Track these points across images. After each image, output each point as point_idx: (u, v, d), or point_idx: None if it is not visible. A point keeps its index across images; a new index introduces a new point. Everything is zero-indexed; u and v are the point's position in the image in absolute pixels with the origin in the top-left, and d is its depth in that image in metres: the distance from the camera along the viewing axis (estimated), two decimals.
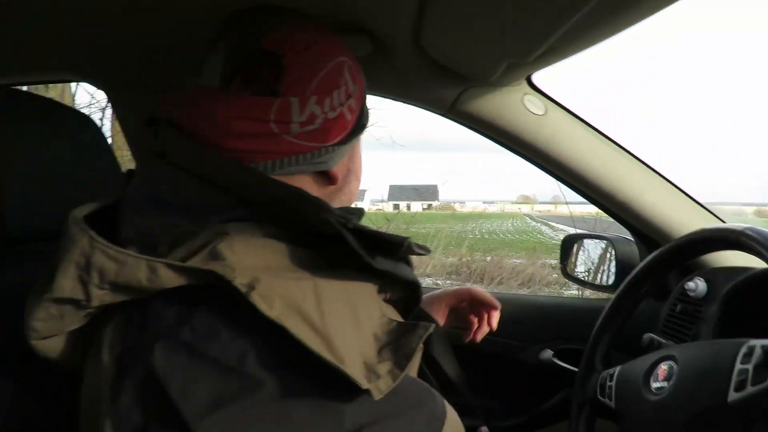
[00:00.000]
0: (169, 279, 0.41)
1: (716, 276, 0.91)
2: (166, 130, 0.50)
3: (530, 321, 1.24)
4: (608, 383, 0.77)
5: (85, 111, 0.86)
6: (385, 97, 1.04)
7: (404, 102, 1.04)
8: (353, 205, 0.62)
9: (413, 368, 0.57)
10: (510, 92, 0.94)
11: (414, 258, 0.59)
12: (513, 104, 0.95)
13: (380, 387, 0.40)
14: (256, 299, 0.39)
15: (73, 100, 4.52)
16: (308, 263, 0.46)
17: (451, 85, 0.93)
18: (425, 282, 6.68)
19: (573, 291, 5.17)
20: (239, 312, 0.40)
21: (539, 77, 0.92)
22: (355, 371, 0.40)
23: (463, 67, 0.86)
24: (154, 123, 0.53)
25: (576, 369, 0.88)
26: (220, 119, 0.49)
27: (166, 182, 0.48)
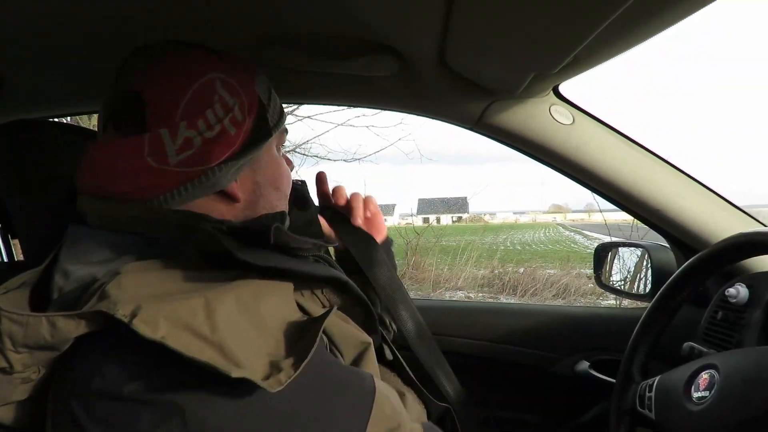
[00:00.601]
0: (70, 329, 0.42)
1: (758, 281, 0.88)
2: (79, 197, 0.55)
3: (565, 332, 1.23)
4: (647, 394, 0.76)
5: None
6: (411, 113, 1.06)
7: (431, 118, 1.05)
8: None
9: (370, 365, 0.56)
10: (537, 103, 0.94)
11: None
12: (540, 115, 0.95)
13: (281, 379, 0.41)
14: (138, 325, 0.40)
15: None
16: (204, 282, 0.47)
17: (478, 100, 0.94)
18: (457, 295, 6.62)
19: (611, 301, 5.03)
20: (135, 344, 0.40)
21: (566, 87, 0.92)
22: (254, 370, 0.41)
23: (488, 81, 0.87)
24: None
25: (613, 380, 0.86)
26: (103, 166, 0.52)
27: (85, 242, 0.51)
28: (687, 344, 0.85)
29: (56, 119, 1.19)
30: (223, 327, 0.42)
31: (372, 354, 0.55)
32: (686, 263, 0.80)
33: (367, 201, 0.82)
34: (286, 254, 0.52)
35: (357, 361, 0.54)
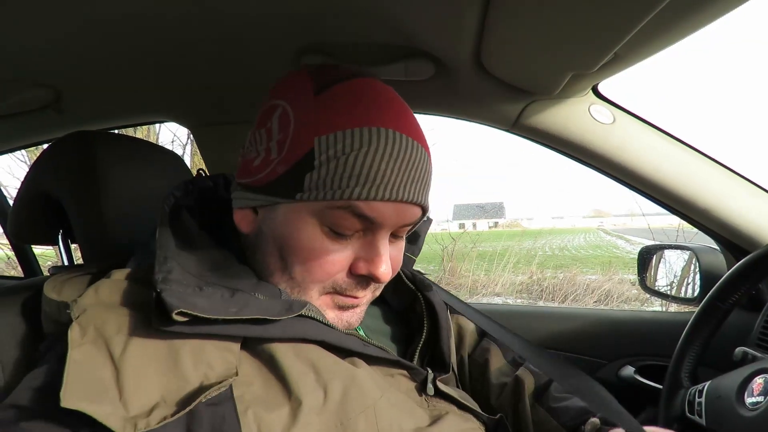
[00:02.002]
0: (66, 319, 0.48)
1: None
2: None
3: (608, 336, 1.20)
4: (697, 399, 0.73)
5: (168, 147, 0.98)
6: (448, 116, 1.06)
7: (467, 120, 1.05)
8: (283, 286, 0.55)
9: (358, 395, 0.51)
10: (575, 103, 0.93)
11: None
12: (579, 115, 0.93)
13: (138, 425, 0.41)
14: (74, 327, 0.45)
15: (157, 138, 4.95)
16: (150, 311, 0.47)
17: (514, 101, 0.93)
18: (494, 301, 6.53)
19: (656, 308, 4.85)
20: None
21: (606, 85, 0.91)
22: (129, 405, 0.42)
23: (525, 82, 0.86)
24: None
25: (660, 386, 0.84)
26: None
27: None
28: (740, 349, 0.82)
29: (112, 131, 1.26)
30: (132, 352, 0.45)
31: (359, 384, 0.51)
32: (737, 265, 0.77)
33: None
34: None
35: (347, 389, 0.50)
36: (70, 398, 0.40)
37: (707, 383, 0.73)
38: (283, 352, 0.50)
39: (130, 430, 0.40)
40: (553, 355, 0.72)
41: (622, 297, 6.12)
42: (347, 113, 0.50)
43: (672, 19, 0.60)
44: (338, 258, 0.53)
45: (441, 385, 0.62)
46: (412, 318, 0.72)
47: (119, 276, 0.53)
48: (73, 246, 0.87)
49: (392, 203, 0.51)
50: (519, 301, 6.45)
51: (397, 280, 0.72)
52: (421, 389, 0.61)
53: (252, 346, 0.50)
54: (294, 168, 0.50)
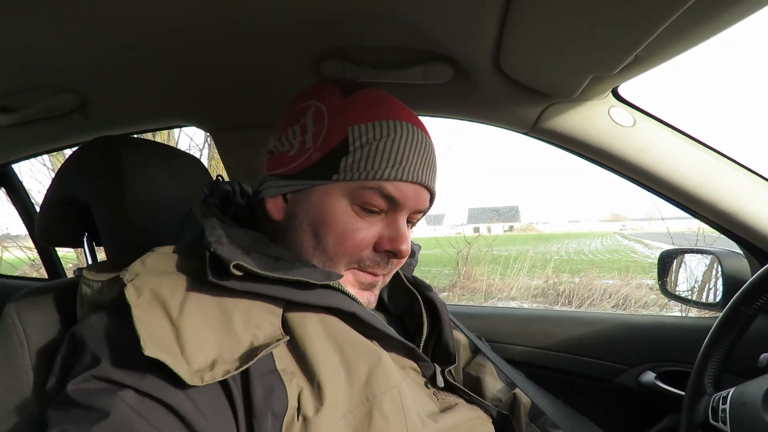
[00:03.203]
0: (105, 293, 0.55)
1: None
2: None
3: (629, 341, 1.18)
4: (721, 406, 0.72)
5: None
6: (466, 119, 1.06)
7: (485, 123, 1.05)
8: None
9: (381, 376, 0.55)
10: (595, 106, 0.92)
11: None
12: (599, 118, 0.93)
13: (204, 377, 0.45)
14: (129, 288, 0.49)
15: (177, 142, 5.03)
16: (201, 276, 0.51)
17: (533, 104, 0.93)
18: (510, 305, 6.48)
19: (675, 313, 4.76)
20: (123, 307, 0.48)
21: (626, 88, 0.90)
22: (191, 361, 0.45)
23: (544, 85, 0.86)
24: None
25: (682, 392, 0.83)
26: None
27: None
28: (765, 355, 0.81)
29: (136, 135, 1.29)
30: (188, 312, 0.48)
31: (384, 366, 0.55)
32: (763, 269, 0.76)
33: None
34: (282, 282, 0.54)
35: (372, 369, 0.54)
36: (151, 348, 0.44)
37: (732, 389, 0.72)
38: (314, 330, 0.54)
39: (197, 381, 0.44)
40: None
41: (641, 302, 6.03)
42: (374, 109, 0.59)
43: (694, 21, 0.60)
44: (366, 235, 0.60)
45: (449, 378, 0.68)
46: (409, 322, 0.75)
47: (164, 250, 0.57)
48: (97, 248, 0.89)
49: (413, 185, 0.60)
50: (535, 305, 6.40)
51: (396, 282, 0.76)
52: (431, 383, 0.66)
53: (288, 321, 0.54)
54: (330, 154, 0.57)
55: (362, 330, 0.58)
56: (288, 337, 0.52)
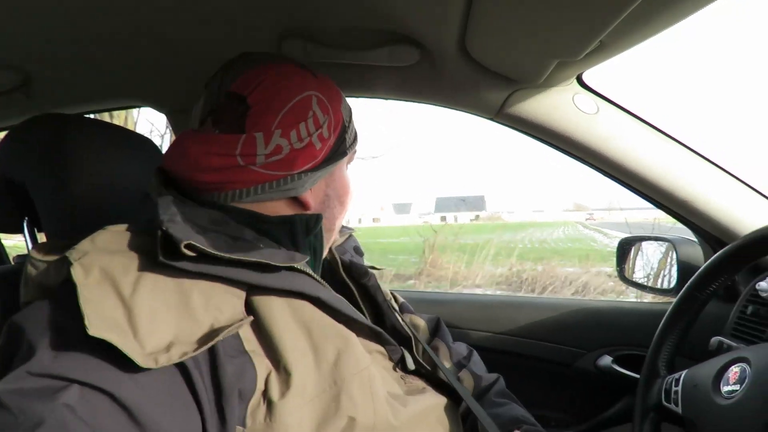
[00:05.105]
0: (52, 275, 0.49)
1: None
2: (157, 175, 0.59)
3: (587, 326, 1.21)
4: (674, 388, 0.74)
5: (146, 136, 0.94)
6: (431, 104, 1.05)
7: (451, 108, 1.04)
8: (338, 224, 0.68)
9: (352, 358, 0.54)
10: (560, 92, 0.92)
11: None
12: (563, 104, 0.93)
13: (159, 359, 0.42)
14: (76, 267, 0.45)
15: (135, 126, 4.85)
16: (155, 256, 0.48)
17: (498, 89, 0.92)
18: (475, 293, 6.58)
19: (631, 299, 4.95)
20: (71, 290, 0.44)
21: (590, 75, 0.90)
22: (145, 343, 0.42)
23: (510, 70, 0.86)
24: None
25: (637, 375, 0.85)
26: (192, 157, 0.55)
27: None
28: (715, 338, 0.83)
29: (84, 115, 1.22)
30: (142, 292, 0.45)
31: (353, 348, 0.55)
32: (715, 255, 0.78)
33: None
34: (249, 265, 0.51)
35: (341, 352, 0.53)
36: (97, 327, 0.41)
37: (684, 372, 0.74)
38: (280, 313, 0.52)
39: (152, 364, 0.41)
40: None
41: (599, 289, 6.24)
42: (331, 81, 0.66)
43: (657, 8, 0.60)
44: None
45: (421, 360, 0.68)
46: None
47: (116, 228, 0.53)
48: (40, 235, 0.83)
49: None
50: (499, 292, 6.53)
51: (334, 271, 0.75)
52: (400, 367, 0.66)
53: (253, 304, 0.52)
54: (340, 135, 0.63)
55: (329, 313, 0.57)
56: (252, 318, 0.50)
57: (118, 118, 4.50)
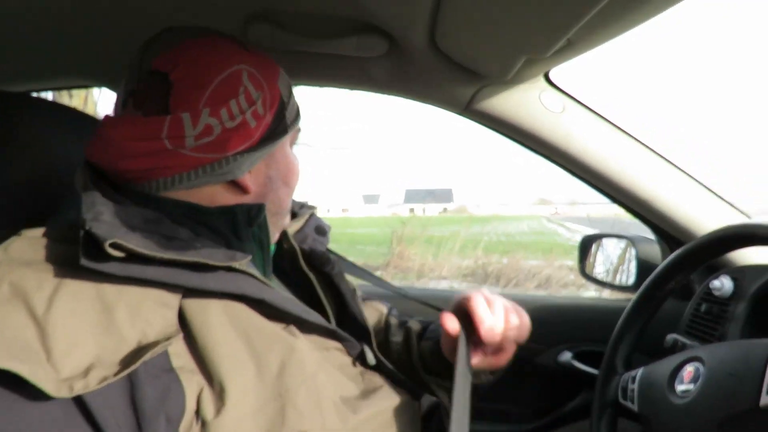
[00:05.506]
0: None
1: (744, 274, 0.89)
2: (83, 170, 0.53)
3: (548, 323, 1.23)
4: (630, 386, 0.75)
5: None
6: (399, 96, 1.03)
7: (419, 101, 1.03)
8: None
9: (296, 364, 0.50)
10: (527, 89, 0.92)
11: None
12: (530, 101, 0.93)
13: (75, 386, 0.38)
14: None
15: (96, 108, 4.64)
16: (75, 265, 0.43)
17: (467, 84, 0.92)
18: (441, 284, 6.65)
19: (591, 293, 5.10)
20: None
21: (557, 73, 0.91)
22: (59, 367, 0.38)
23: (479, 65, 0.85)
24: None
25: (596, 371, 0.86)
26: (116, 144, 0.51)
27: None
28: (670, 336, 0.85)
29: (36, 94, 1.14)
30: (58, 310, 0.40)
31: (299, 355, 0.51)
32: (673, 254, 0.79)
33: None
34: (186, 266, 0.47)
35: (285, 361, 0.49)
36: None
37: (640, 370, 0.75)
38: (218, 320, 0.48)
39: (65, 393, 0.37)
40: None
41: (561, 282, 6.40)
42: (265, 55, 0.61)
43: (625, 6, 0.60)
44: None
45: (380, 356, 0.65)
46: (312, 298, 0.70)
47: (32, 234, 0.48)
48: None
49: None
50: (465, 284, 6.61)
51: (294, 260, 0.70)
52: (360, 362, 0.62)
53: (187, 312, 0.47)
54: (278, 112, 0.58)
55: (276, 315, 0.52)
56: (181, 334, 0.45)
57: (78, 98, 4.30)
